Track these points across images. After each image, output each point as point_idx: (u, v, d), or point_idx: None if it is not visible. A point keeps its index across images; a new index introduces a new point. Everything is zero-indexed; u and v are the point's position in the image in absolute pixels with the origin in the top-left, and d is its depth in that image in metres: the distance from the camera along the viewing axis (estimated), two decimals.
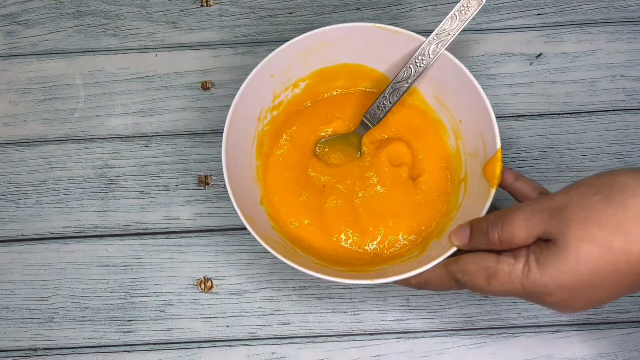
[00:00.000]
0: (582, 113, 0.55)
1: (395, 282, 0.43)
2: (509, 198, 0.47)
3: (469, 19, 0.46)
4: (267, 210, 0.49)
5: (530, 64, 0.57)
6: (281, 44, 0.48)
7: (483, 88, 0.56)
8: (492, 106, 0.55)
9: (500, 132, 0.54)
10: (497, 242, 0.38)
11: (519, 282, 0.37)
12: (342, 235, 0.50)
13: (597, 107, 0.55)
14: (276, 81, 0.50)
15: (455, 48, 0.57)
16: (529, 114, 0.55)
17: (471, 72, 0.56)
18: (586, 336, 0.49)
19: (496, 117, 0.55)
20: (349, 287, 0.51)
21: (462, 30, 0.57)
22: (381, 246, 0.49)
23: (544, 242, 0.36)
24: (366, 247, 0.49)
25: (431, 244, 0.47)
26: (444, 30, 0.47)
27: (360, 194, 0.50)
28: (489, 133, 0.45)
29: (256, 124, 0.50)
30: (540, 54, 0.57)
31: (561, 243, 0.35)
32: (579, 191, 0.36)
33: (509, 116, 0.55)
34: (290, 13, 0.59)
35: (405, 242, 0.49)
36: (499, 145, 0.44)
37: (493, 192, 0.43)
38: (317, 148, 0.52)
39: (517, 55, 0.57)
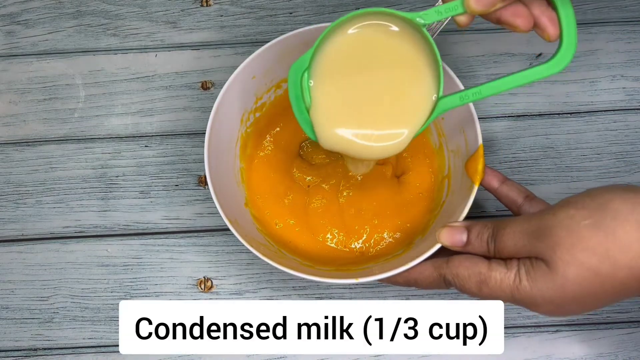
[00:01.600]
0: (582, 113, 0.55)
1: (381, 281, 0.43)
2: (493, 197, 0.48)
3: (447, 20, 0.46)
4: (252, 212, 0.49)
5: (530, 64, 0.57)
6: None
7: None
8: (492, 106, 0.56)
9: (500, 132, 0.55)
10: (492, 254, 0.39)
11: (509, 291, 0.38)
12: (328, 235, 0.50)
13: (597, 107, 0.55)
14: (258, 82, 0.49)
15: (455, 48, 0.57)
16: (529, 114, 0.55)
17: (471, 72, 0.57)
18: (586, 336, 0.49)
19: (496, 117, 0.55)
20: (349, 286, 0.51)
21: (462, 30, 0.58)
22: (367, 245, 0.49)
23: (534, 258, 0.37)
24: (352, 246, 0.50)
25: (416, 242, 0.47)
26: None
27: (345, 193, 0.50)
28: (470, 129, 0.45)
29: (239, 126, 0.50)
30: (540, 54, 0.57)
31: (550, 265, 0.36)
32: (568, 214, 0.36)
33: (509, 116, 0.55)
34: (290, 13, 0.59)
35: (390, 240, 0.49)
36: (480, 141, 0.44)
37: (476, 188, 0.43)
38: (301, 148, 0.52)
39: (517, 55, 0.57)
